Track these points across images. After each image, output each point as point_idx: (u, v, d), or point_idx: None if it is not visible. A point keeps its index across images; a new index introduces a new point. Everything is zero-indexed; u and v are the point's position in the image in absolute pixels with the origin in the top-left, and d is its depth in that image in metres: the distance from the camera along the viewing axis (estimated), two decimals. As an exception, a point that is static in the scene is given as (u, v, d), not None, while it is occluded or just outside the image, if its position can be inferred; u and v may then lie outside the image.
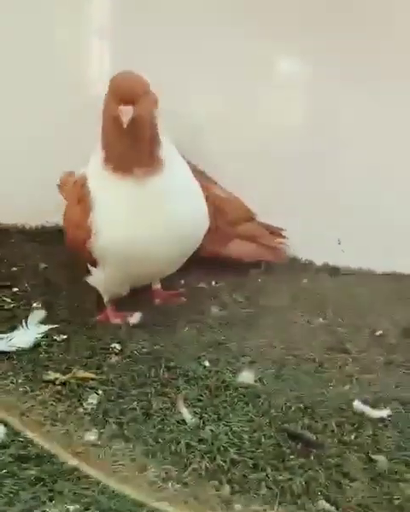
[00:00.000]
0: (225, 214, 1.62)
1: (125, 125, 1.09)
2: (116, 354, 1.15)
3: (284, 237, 1.72)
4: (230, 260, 1.64)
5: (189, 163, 1.68)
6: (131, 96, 1.11)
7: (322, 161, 1.73)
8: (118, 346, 1.17)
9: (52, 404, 0.97)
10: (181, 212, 1.19)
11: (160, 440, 0.89)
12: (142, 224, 1.17)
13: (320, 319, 1.37)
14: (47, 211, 1.76)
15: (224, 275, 1.63)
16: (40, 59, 1.79)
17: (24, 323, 1.18)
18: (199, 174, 1.69)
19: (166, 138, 1.19)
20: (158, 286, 1.41)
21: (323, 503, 0.79)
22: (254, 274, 1.66)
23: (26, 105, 1.80)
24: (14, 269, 1.59)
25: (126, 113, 1.09)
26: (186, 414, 0.97)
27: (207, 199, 1.37)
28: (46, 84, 1.76)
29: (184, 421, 0.95)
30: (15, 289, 1.45)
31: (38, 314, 1.22)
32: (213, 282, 1.58)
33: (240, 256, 1.66)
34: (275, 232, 1.73)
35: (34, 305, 1.36)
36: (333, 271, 1.70)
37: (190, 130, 1.70)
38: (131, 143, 1.14)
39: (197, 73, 1.77)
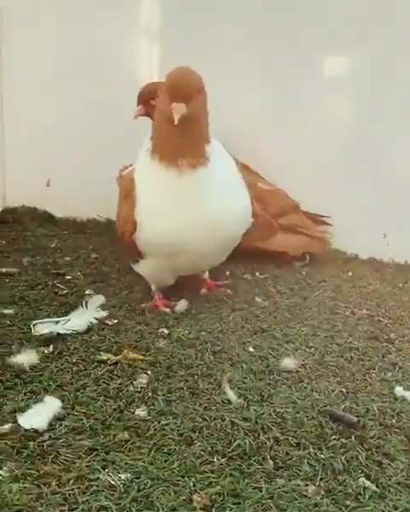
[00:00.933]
0: (269, 206, 1.65)
1: (176, 122, 1.13)
2: (164, 338, 1.20)
3: (329, 224, 1.74)
4: (274, 253, 1.68)
5: (234, 159, 1.73)
6: (185, 95, 1.15)
7: (368, 155, 1.75)
8: (166, 331, 1.22)
9: (105, 382, 1.02)
10: (222, 206, 1.22)
11: (206, 418, 0.93)
12: (182, 217, 1.21)
13: (364, 310, 1.39)
14: (99, 204, 1.85)
15: (268, 267, 1.67)
16: (92, 59, 1.88)
17: (84, 306, 1.25)
18: (244, 169, 1.73)
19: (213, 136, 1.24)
20: (206, 276, 1.45)
21: (363, 481, 0.82)
22: (298, 266, 1.69)
23: (81, 102, 1.88)
24: (68, 258, 1.66)
25: (179, 110, 1.14)
26: (231, 394, 1.00)
27: (251, 192, 1.40)
28: (102, 84, 1.84)
29: (229, 401, 0.99)
30: (68, 277, 1.52)
31: (98, 299, 1.29)
32: (258, 274, 1.62)
33: (284, 249, 1.69)
34: (320, 221, 1.76)
35: (87, 292, 1.42)
36: (378, 265, 1.72)
37: (235, 125, 1.74)
38: (179, 137, 1.18)
39: (241, 71, 1.81)
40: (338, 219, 1.74)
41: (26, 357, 1.08)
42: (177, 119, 1.13)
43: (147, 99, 1.53)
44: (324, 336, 1.24)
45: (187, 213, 1.21)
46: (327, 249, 1.75)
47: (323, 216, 1.75)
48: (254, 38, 1.78)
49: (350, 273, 1.65)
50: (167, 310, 1.33)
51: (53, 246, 1.77)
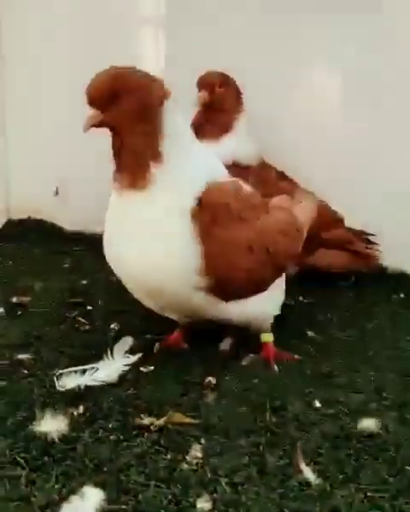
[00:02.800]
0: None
1: (83, 130, 0.97)
2: (212, 390, 1.02)
3: (375, 244, 1.56)
4: (316, 270, 1.49)
5: (269, 164, 1.54)
6: (96, 100, 0.96)
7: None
8: (213, 380, 1.04)
9: (152, 459, 0.84)
10: (144, 248, 0.98)
11: (285, 510, 0.75)
12: (114, 246, 1.04)
13: (431, 344, 1.22)
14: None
15: (310, 288, 1.48)
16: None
17: (109, 354, 1.06)
18: (280, 176, 1.55)
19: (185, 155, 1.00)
20: (267, 338, 1.16)
21: None
22: (343, 287, 1.51)
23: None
24: (84, 282, 1.47)
25: (89, 117, 0.97)
26: (308, 472, 0.82)
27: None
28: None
29: (307, 482, 0.81)
30: (89, 307, 1.33)
31: (125, 342, 1.09)
32: (301, 298, 1.44)
33: (328, 266, 1.51)
34: (366, 238, 1.58)
35: (111, 326, 1.24)
36: (430, 283, 1.54)
37: (275, 132, 1.56)
38: (117, 148, 0.99)
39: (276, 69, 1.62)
40: (383, 233, 1.56)
41: (53, 424, 0.89)
42: (84, 128, 0.97)
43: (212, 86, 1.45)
44: (397, 382, 1.06)
45: (115, 243, 1.03)
46: (376, 267, 1.56)
47: (368, 233, 1.56)
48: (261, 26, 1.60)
49: (402, 294, 1.48)
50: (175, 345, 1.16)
51: (66, 266, 1.58)
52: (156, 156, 0.97)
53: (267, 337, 1.15)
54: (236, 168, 1.42)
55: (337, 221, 1.53)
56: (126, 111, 0.96)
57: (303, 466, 0.84)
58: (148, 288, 1.04)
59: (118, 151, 0.99)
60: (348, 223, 1.55)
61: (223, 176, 1.07)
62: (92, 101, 0.96)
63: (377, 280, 1.56)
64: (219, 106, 1.47)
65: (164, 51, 1.77)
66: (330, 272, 1.52)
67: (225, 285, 1.01)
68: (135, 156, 0.97)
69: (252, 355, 1.14)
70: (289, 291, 1.43)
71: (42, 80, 1.77)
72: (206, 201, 0.99)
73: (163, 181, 0.97)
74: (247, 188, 1.10)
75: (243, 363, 1.12)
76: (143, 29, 1.79)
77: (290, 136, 1.59)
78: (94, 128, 0.98)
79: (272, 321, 1.15)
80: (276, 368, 1.09)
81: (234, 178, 1.09)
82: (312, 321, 1.30)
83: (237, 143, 1.48)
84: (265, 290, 1.09)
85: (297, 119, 1.62)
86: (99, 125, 0.98)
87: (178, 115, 1.01)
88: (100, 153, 1.69)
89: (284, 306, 1.35)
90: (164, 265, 0.98)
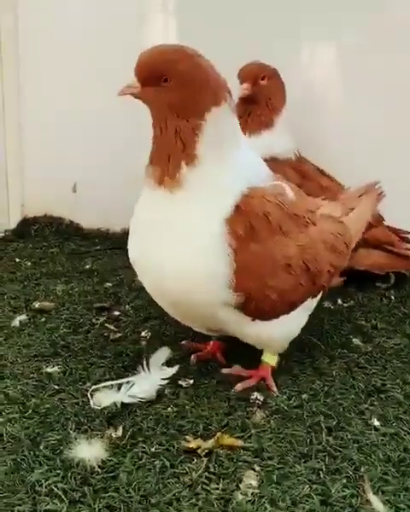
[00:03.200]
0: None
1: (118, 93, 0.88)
2: (260, 408, 0.93)
3: (414, 241, 1.48)
4: (355, 272, 1.41)
5: (306, 160, 1.45)
6: (138, 70, 0.87)
7: None
8: (260, 397, 0.95)
9: (204, 489, 0.76)
10: (172, 253, 0.88)
11: (359, 551, 0.68)
12: (139, 248, 0.94)
13: None
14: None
15: (349, 291, 1.40)
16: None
17: (146, 367, 0.97)
18: (318, 172, 1.46)
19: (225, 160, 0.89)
20: (267, 360, 1.01)
21: None
22: (383, 289, 1.43)
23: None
24: (109, 285, 1.39)
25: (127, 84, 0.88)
26: (377, 503, 0.74)
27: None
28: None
29: (377, 514, 0.73)
30: (116, 313, 1.25)
31: (162, 354, 1.00)
32: (340, 301, 1.35)
33: (367, 267, 1.42)
34: (405, 237, 1.49)
35: (142, 334, 1.16)
36: None
37: (314, 128, 1.47)
38: (155, 142, 0.90)
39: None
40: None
41: (91, 449, 0.82)
42: (119, 92, 0.88)
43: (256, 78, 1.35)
44: None
45: (140, 245, 0.94)
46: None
47: (407, 232, 1.48)
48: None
49: (446, 295, 1.39)
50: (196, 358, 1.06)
51: (88, 267, 1.49)
52: (191, 158, 0.87)
53: (270, 359, 1.01)
54: (273, 162, 1.34)
55: (377, 220, 1.44)
56: (165, 99, 0.86)
57: (371, 496, 0.76)
58: (172, 298, 0.94)
59: (154, 139, 0.90)
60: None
61: (265, 179, 0.96)
62: (136, 71, 0.87)
63: (416, 280, 1.48)
64: (261, 99, 1.38)
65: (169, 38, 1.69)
66: (370, 273, 1.43)
67: (257, 304, 0.91)
68: (167, 152, 0.88)
69: (239, 367, 1.03)
70: (327, 293, 1.37)
71: (57, 79, 1.67)
72: (244, 210, 0.89)
73: (195, 184, 0.88)
74: (291, 194, 0.97)
75: (224, 371, 1.03)
76: (152, 17, 1.70)
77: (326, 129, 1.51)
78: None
79: (287, 344, 1.02)
80: (275, 389, 0.98)
81: (278, 182, 0.97)
82: (355, 327, 1.21)
83: (277, 138, 1.39)
84: (296, 309, 0.98)
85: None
86: (136, 97, 0.89)
87: (229, 122, 0.90)
88: (119, 148, 1.65)
89: (324, 310, 1.29)
90: (191, 275, 0.88)
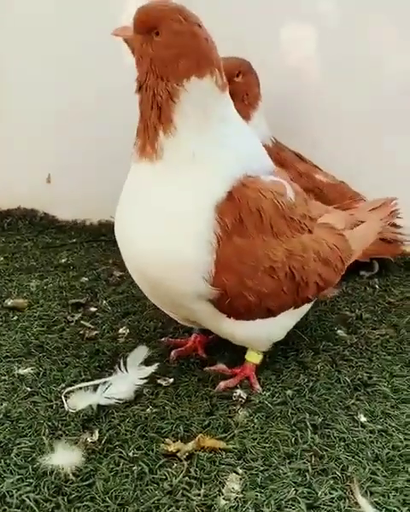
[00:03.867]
0: (329, 202, 1.34)
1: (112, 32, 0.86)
2: (242, 406, 0.90)
3: (400, 226, 1.44)
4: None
5: (283, 146, 1.41)
6: (136, 19, 0.84)
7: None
8: (242, 394, 0.92)
9: (184, 495, 0.72)
10: (142, 225, 0.84)
11: None
12: (124, 221, 0.88)
13: None
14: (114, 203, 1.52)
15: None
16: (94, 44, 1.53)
17: (122, 367, 0.93)
18: (296, 158, 1.42)
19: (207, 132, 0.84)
20: (250, 359, 0.97)
21: None
22: (367, 278, 1.39)
23: (87, 83, 1.53)
24: (85, 279, 1.34)
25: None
26: (367, 506, 0.71)
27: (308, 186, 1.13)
28: (108, 65, 1.48)
29: (366, 517, 0.70)
30: (93, 309, 1.20)
31: (140, 352, 0.96)
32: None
33: (353, 256, 1.39)
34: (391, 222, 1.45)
35: (120, 330, 1.11)
36: None
37: (291, 113, 1.43)
38: (139, 116, 0.86)
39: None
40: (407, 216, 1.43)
41: (65, 456, 0.77)
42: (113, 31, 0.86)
43: (231, 76, 1.27)
44: (446, 389, 0.95)
45: (124, 221, 0.88)
46: (399, 253, 1.44)
47: (392, 213, 1.43)
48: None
49: (431, 283, 1.37)
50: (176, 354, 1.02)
51: (63, 261, 1.44)
52: (167, 125, 0.82)
53: (253, 357, 0.97)
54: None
55: (358, 202, 1.40)
56: (149, 52, 0.82)
57: (360, 498, 0.72)
58: (147, 280, 0.89)
59: (139, 107, 0.85)
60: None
61: (266, 171, 0.90)
62: (135, 17, 0.84)
63: (401, 269, 1.45)
64: (238, 95, 1.33)
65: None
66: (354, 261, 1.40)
67: (231, 302, 0.85)
68: (146, 119, 0.84)
69: (222, 366, 0.98)
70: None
71: (29, 71, 1.62)
72: (237, 200, 0.83)
73: (174, 154, 0.82)
74: (292, 195, 0.91)
75: (206, 369, 0.99)
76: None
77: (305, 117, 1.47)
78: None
79: (270, 344, 0.98)
80: (258, 387, 0.94)
81: (280, 180, 0.91)
82: (339, 318, 1.18)
83: (253, 130, 1.35)
84: (277, 315, 0.92)
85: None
86: (125, 41, 0.87)
87: (214, 98, 0.84)
88: (93, 139, 1.59)
89: (307, 302, 1.25)
90: (168, 258, 0.82)
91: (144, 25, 0.83)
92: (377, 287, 1.34)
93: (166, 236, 0.81)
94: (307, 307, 0.98)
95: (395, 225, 1.43)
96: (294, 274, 0.89)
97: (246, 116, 1.36)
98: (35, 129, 1.62)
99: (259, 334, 0.93)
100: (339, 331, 1.13)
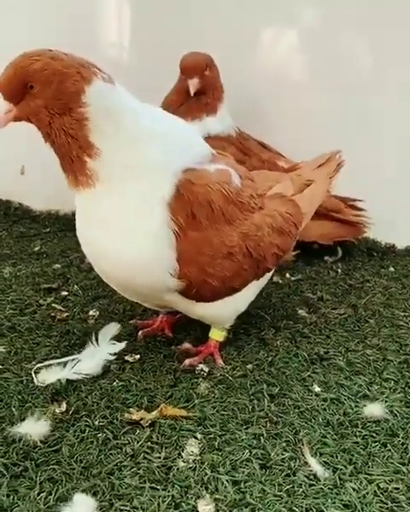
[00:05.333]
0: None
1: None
2: (204, 379, 0.95)
3: (362, 209, 1.49)
4: (303, 244, 1.42)
5: (246, 135, 1.46)
6: (4, 93, 0.83)
7: (403, 133, 1.49)
8: (205, 368, 0.97)
9: (145, 458, 0.77)
10: (101, 245, 0.88)
11: (295, 509, 0.69)
12: (85, 231, 0.92)
13: (429, 319, 1.17)
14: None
15: (297, 265, 1.42)
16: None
17: (94, 341, 0.98)
18: (259, 146, 1.47)
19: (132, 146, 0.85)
20: (214, 336, 1.02)
21: None
22: (331, 262, 1.45)
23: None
24: (58, 266, 1.38)
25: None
26: (315, 465, 0.76)
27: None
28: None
29: (314, 475, 0.75)
30: (64, 293, 1.24)
31: (111, 329, 1.01)
32: (288, 275, 1.37)
33: (316, 238, 1.44)
34: (352, 205, 1.51)
35: (90, 313, 1.16)
36: (420, 256, 1.49)
37: (250, 101, 1.48)
38: (59, 156, 0.86)
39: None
40: (369, 205, 1.49)
41: (33, 425, 0.82)
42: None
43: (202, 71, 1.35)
44: (397, 362, 1.01)
45: (84, 230, 0.93)
46: (362, 237, 1.50)
47: (354, 199, 1.49)
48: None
49: (392, 269, 1.42)
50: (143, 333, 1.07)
51: (36, 249, 1.47)
52: (89, 148, 0.83)
53: (217, 335, 1.02)
54: (213, 139, 1.35)
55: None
56: (40, 102, 0.82)
57: (309, 458, 0.78)
58: (119, 284, 0.95)
59: (54, 150, 0.86)
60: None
61: (204, 158, 0.93)
62: (3, 95, 0.83)
63: (364, 254, 1.50)
64: (208, 90, 1.38)
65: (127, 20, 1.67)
66: (317, 247, 1.45)
67: (198, 290, 0.91)
68: (67, 154, 0.84)
69: (188, 345, 1.03)
70: (275, 269, 1.38)
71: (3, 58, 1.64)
72: (186, 197, 0.87)
73: (109, 172, 0.84)
74: (237, 179, 0.95)
75: (172, 347, 1.03)
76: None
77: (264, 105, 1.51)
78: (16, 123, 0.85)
79: (234, 319, 1.02)
80: (221, 362, 0.99)
81: (223, 167, 0.94)
82: (301, 299, 1.23)
83: (218, 121, 1.41)
84: (240, 291, 0.98)
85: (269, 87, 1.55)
86: (16, 120, 0.85)
87: (113, 94, 0.85)
88: None
89: (272, 284, 1.31)
90: (136, 265, 0.87)
91: (16, 90, 0.82)
92: (339, 271, 1.40)
93: (129, 244, 0.86)
94: (268, 276, 1.04)
95: (357, 208, 1.49)
96: (251, 252, 0.94)
97: (213, 109, 1.42)
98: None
99: (227, 310, 0.99)
100: (300, 311, 1.18)
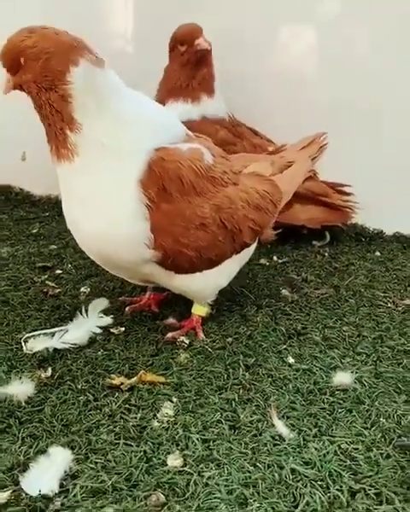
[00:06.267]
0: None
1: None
2: (185, 350, 0.99)
3: (350, 194, 1.53)
4: (292, 229, 1.46)
5: (238, 122, 1.50)
6: (4, 63, 0.90)
7: (393, 120, 1.53)
8: (185, 340, 1.01)
9: (122, 418, 0.82)
10: (78, 216, 0.95)
11: (258, 464, 0.74)
12: (70, 217, 0.98)
13: (407, 300, 1.20)
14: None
15: (285, 249, 1.46)
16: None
17: (84, 313, 1.03)
18: (250, 132, 1.51)
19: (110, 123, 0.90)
20: (196, 311, 1.07)
21: None
22: (318, 246, 1.49)
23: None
24: (54, 247, 1.43)
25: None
26: (282, 427, 0.81)
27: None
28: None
29: (280, 436, 0.80)
30: (58, 271, 1.29)
31: (100, 303, 1.07)
32: (276, 258, 1.41)
33: (304, 222, 1.48)
34: (340, 190, 1.55)
35: (82, 289, 1.21)
36: (406, 242, 1.52)
37: (242, 85, 1.52)
38: (45, 128, 0.93)
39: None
40: (358, 191, 1.53)
41: (19, 387, 0.87)
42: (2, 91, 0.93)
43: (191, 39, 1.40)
44: (371, 338, 1.05)
45: (68, 213, 0.98)
46: (350, 222, 1.54)
47: (343, 185, 1.53)
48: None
49: (378, 253, 1.46)
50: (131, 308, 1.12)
51: (35, 231, 1.53)
52: (72, 123, 0.89)
53: (199, 310, 1.06)
54: (207, 122, 1.41)
55: (311, 173, 1.49)
56: (29, 77, 0.89)
57: (276, 420, 0.82)
58: (101, 257, 1.00)
59: (41, 122, 0.93)
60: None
61: (178, 137, 0.98)
62: (3, 65, 0.91)
63: (352, 239, 1.54)
64: (205, 60, 1.43)
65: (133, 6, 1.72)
66: (306, 232, 1.49)
67: (173, 260, 0.96)
68: (51, 127, 0.91)
69: (172, 320, 1.08)
70: (263, 252, 1.43)
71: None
72: (157, 172, 0.92)
73: (88, 147, 0.90)
74: (209, 157, 0.99)
75: (157, 322, 1.08)
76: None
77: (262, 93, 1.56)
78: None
79: (215, 294, 1.07)
80: (202, 335, 1.04)
81: (195, 146, 0.99)
82: (285, 280, 1.28)
83: (214, 102, 1.46)
84: (220, 264, 1.03)
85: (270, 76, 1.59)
86: (14, 88, 0.92)
87: (99, 76, 0.90)
88: None
89: (259, 266, 1.35)
90: (113, 238, 0.93)
91: (11, 64, 0.90)
92: (326, 254, 1.44)
93: (106, 218, 0.91)
94: (248, 252, 1.09)
95: (344, 193, 1.53)
96: (225, 224, 0.99)
97: (210, 88, 1.47)
98: (10, 111, 1.70)
99: (208, 284, 1.03)
100: (284, 291, 1.23)
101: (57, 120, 0.89)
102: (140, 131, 0.92)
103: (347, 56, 1.54)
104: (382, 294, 1.23)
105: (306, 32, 1.60)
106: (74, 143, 0.89)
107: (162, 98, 1.45)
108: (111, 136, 0.90)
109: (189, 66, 1.42)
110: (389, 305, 1.18)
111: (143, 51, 1.66)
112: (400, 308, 1.17)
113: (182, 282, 1.01)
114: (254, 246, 1.09)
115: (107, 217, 0.91)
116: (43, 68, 0.87)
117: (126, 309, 1.12)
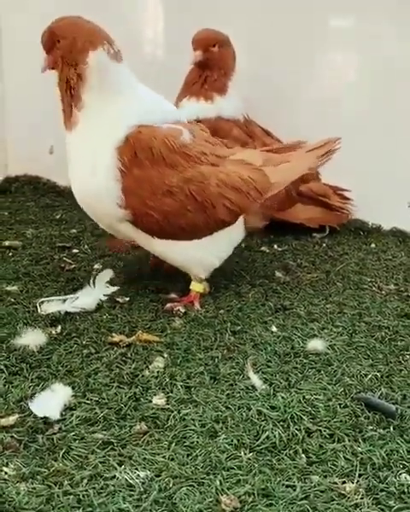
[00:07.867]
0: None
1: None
2: (180, 317, 1.11)
3: (349, 199, 1.64)
4: (292, 225, 1.58)
5: (246, 117, 1.62)
6: (43, 44, 1.12)
7: (392, 121, 1.63)
8: (181, 309, 1.13)
9: (118, 367, 0.94)
10: (75, 177, 1.15)
11: (230, 406, 0.85)
12: (69, 169, 1.16)
13: (391, 285, 1.30)
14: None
15: (287, 239, 1.57)
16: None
17: (91, 283, 1.16)
18: (257, 130, 1.63)
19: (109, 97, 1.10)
20: (194, 287, 1.19)
21: (406, 477, 0.74)
22: (318, 238, 1.60)
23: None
24: (73, 231, 1.57)
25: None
26: (256, 380, 0.92)
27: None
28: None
29: (253, 387, 0.91)
30: (75, 251, 1.43)
31: (106, 274, 1.19)
32: (276, 246, 1.52)
33: (302, 221, 1.58)
34: (341, 193, 1.65)
35: (95, 266, 1.34)
36: (402, 236, 1.62)
37: (253, 87, 1.64)
38: (62, 101, 1.13)
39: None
40: (358, 187, 1.63)
41: (32, 339, 1.00)
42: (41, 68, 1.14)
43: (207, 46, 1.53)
44: (351, 314, 1.15)
45: (70, 174, 1.17)
46: (351, 218, 1.64)
47: (343, 189, 1.64)
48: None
49: (373, 245, 1.55)
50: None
51: (58, 217, 1.67)
52: (79, 102, 1.09)
53: (196, 286, 1.18)
54: (221, 121, 1.53)
55: (313, 174, 1.60)
56: (59, 52, 1.10)
57: (252, 374, 0.94)
58: (87, 208, 1.18)
59: (60, 96, 1.13)
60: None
61: (164, 120, 1.13)
62: (44, 47, 1.12)
63: (351, 233, 1.64)
64: (214, 65, 1.55)
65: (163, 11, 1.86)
66: (307, 227, 1.60)
67: (142, 221, 1.11)
68: (65, 100, 1.11)
69: (173, 295, 1.20)
70: (265, 241, 1.54)
71: (37, 46, 1.84)
72: (131, 142, 1.09)
73: (87, 124, 1.10)
74: (187, 135, 1.13)
75: (160, 294, 1.20)
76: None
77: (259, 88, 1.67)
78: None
79: (207, 271, 1.18)
80: (198, 306, 1.15)
81: (176, 126, 1.13)
82: (282, 265, 1.38)
83: (228, 102, 1.57)
84: (199, 238, 1.15)
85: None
86: (50, 67, 1.13)
87: (109, 66, 1.09)
88: None
89: (259, 253, 1.47)
90: (91, 194, 1.12)
91: (48, 43, 1.11)
92: (324, 245, 1.54)
93: (88, 176, 1.12)
94: (237, 233, 1.19)
95: (344, 197, 1.64)
96: (195, 196, 1.11)
97: (222, 88, 1.58)
98: (40, 105, 1.85)
99: (190, 257, 1.16)
100: (278, 273, 1.34)
101: (69, 97, 1.10)
102: (130, 113, 1.11)
103: (347, 57, 1.64)
104: (369, 280, 1.33)
105: (312, 38, 1.70)
106: (77, 118, 1.10)
107: (182, 95, 1.59)
108: (105, 115, 1.10)
109: (201, 68, 1.55)
110: (374, 288, 1.28)
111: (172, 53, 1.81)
112: (383, 292, 1.27)
113: (163, 249, 1.16)
114: (241, 228, 1.19)
115: (87, 176, 1.11)
116: (71, 45, 1.09)
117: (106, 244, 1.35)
